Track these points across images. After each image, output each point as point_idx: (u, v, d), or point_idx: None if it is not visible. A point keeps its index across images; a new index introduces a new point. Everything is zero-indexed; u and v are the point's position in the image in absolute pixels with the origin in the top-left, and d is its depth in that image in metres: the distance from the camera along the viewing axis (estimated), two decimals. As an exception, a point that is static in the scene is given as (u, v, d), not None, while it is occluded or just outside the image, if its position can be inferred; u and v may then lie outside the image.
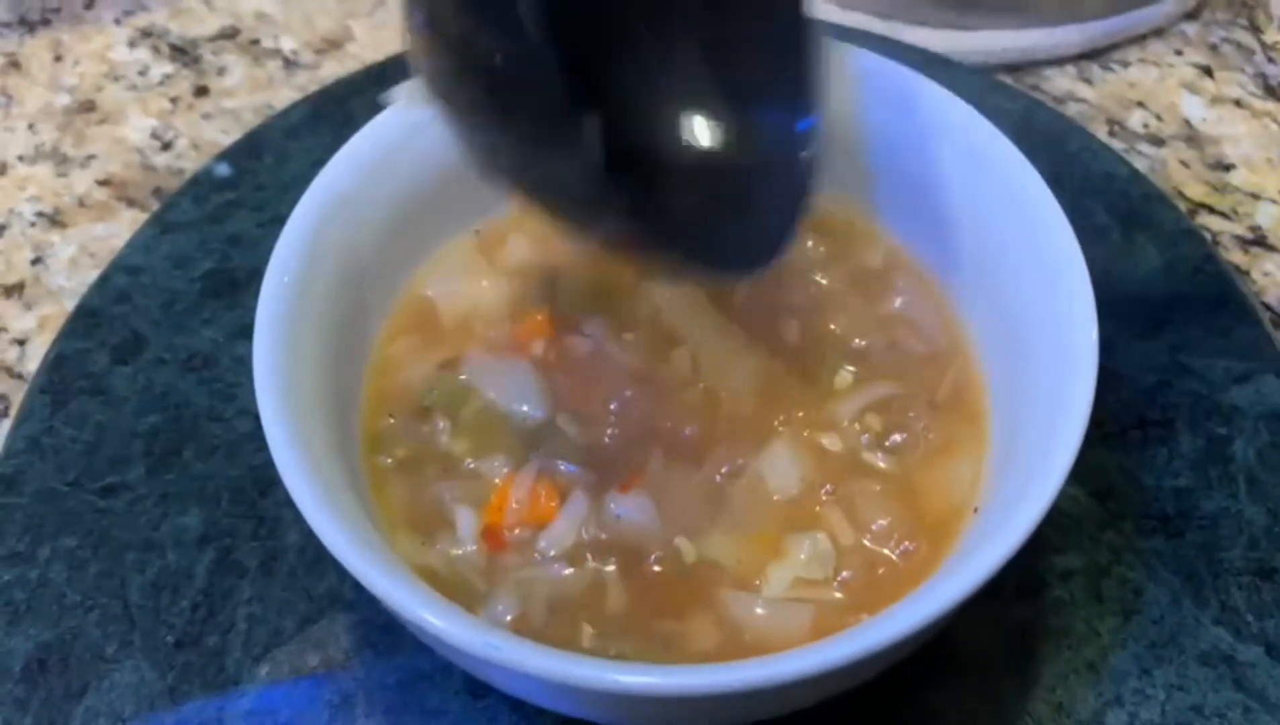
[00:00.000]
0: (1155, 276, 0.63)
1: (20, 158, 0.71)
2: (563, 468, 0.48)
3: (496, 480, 0.48)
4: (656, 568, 0.46)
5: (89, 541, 0.56)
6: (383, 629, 0.54)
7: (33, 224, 0.68)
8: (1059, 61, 0.76)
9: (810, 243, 0.54)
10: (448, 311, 0.52)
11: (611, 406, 0.49)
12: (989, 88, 0.70)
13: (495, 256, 0.54)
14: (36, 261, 0.66)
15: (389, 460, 0.49)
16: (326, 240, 0.47)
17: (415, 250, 0.52)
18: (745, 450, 0.48)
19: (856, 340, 0.52)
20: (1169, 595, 0.54)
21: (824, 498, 0.48)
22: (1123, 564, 0.55)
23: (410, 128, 0.50)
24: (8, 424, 0.59)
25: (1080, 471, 0.57)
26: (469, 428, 0.49)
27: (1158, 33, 0.77)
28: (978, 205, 0.50)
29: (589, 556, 0.46)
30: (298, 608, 0.54)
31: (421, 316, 0.52)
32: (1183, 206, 0.68)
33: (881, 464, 0.49)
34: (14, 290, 0.66)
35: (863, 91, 0.52)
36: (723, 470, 0.48)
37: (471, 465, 0.49)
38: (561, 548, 0.46)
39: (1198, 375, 0.60)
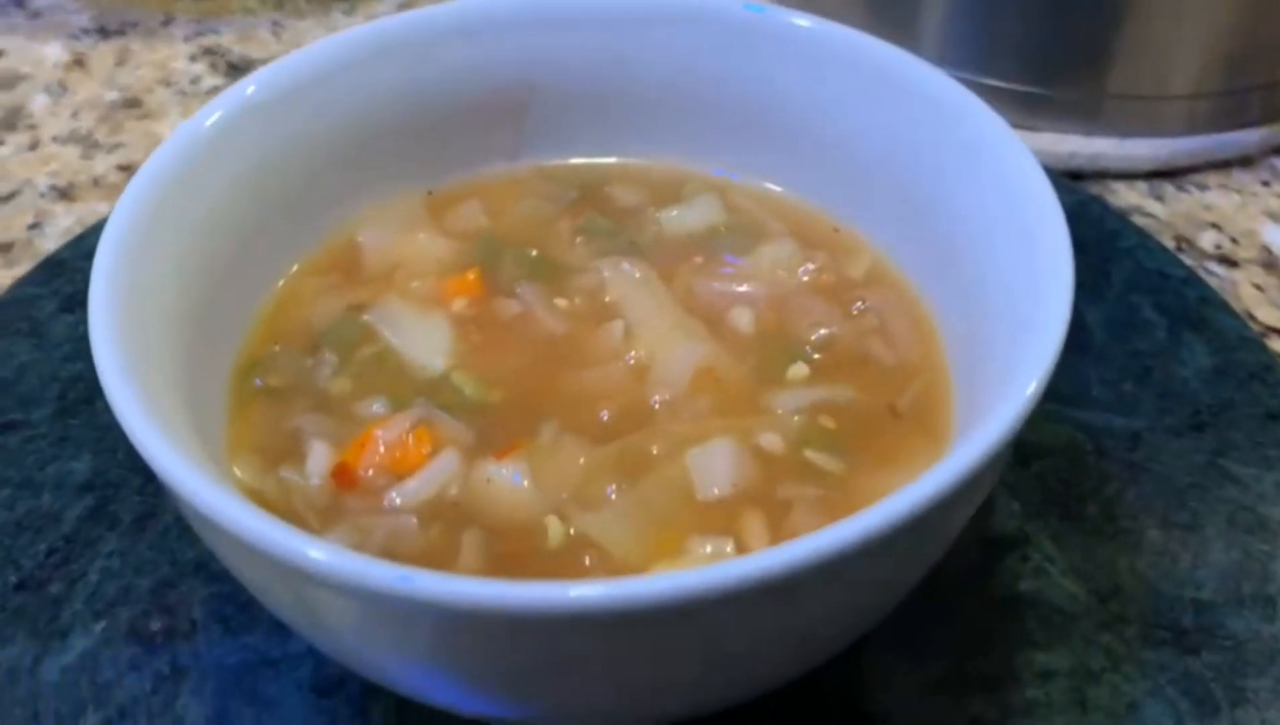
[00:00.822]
0: (1203, 377, 0.54)
1: (54, 138, 0.69)
2: (445, 422, 0.40)
3: (370, 423, 0.41)
4: (516, 543, 0.37)
5: (-35, 472, 0.50)
6: (241, 606, 0.46)
7: (43, 195, 0.66)
8: (1128, 176, 0.68)
9: (788, 244, 0.46)
10: (374, 259, 0.47)
11: (516, 369, 0.42)
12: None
13: (442, 216, 0.48)
14: (33, 226, 0.64)
15: (259, 383, 0.42)
16: (221, 157, 0.42)
17: (354, 196, 0.47)
18: (671, 439, 0.40)
19: (817, 337, 0.44)
20: (1172, 717, 0.42)
21: (749, 501, 0.39)
22: (1119, 673, 0.44)
23: (380, 81, 0.46)
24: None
25: (1083, 566, 0.47)
26: (356, 368, 0.43)
27: (1245, 161, 0.69)
28: (973, 210, 0.42)
29: (443, 517, 0.38)
30: (158, 570, 0.47)
31: (344, 259, 0.47)
32: (1253, 328, 0.58)
33: (825, 467, 0.40)
34: (3, 248, 0.63)
35: (849, 78, 0.45)
36: (650, 451, 0.40)
37: (349, 406, 0.41)
38: (415, 500, 0.39)
39: (1240, 483, 0.49)
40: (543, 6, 0.48)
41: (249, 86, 0.43)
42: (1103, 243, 0.60)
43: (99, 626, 0.45)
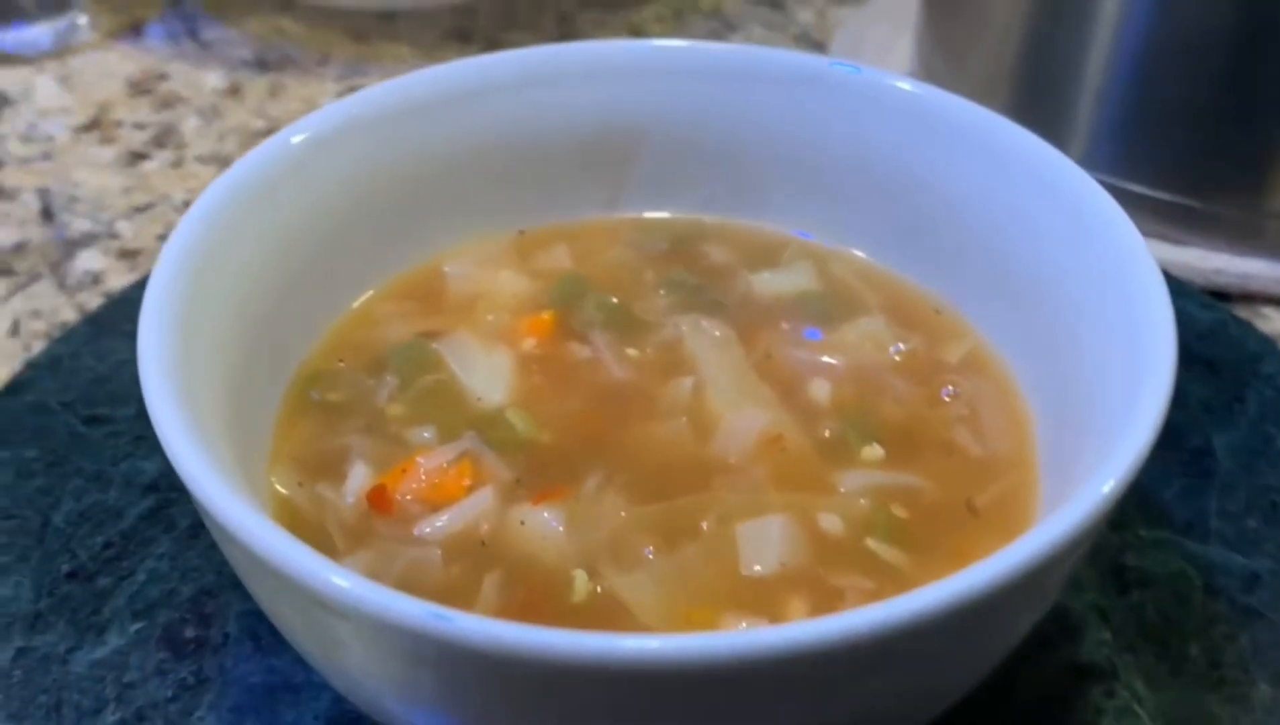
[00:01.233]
0: (1345, 520, 0.48)
1: (198, 157, 0.71)
2: (490, 458, 0.38)
3: (416, 450, 0.39)
4: (539, 592, 0.35)
5: (45, 458, 0.50)
6: (274, 628, 0.44)
7: (176, 209, 0.67)
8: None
9: (880, 320, 0.43)
10: (455, 291, 0.45)
11: (573, 413, 0.39)
12: (1177, 290, 0.58)
13: (529, 256, 0.47)
14: (161, 237, 0.65)
15: (316, 396, 0.41)
16: (308, 174, 0.41)
17: (447, 228, 0.46)
18: (723, 507, 0.37)
19: (898, 419, 0.40)
20: None
21: (796, 584, 0.35)
22: (1205, 838, 0.38)
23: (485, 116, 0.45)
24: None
25: (1176, 713, 0.42)
26: (415, 394, 0.41)
27: None
28: (1079, 300, 0.39)
29: (469, 554, 0.36)
30: (203, 578, 0.46)
31: (426, 288, 0.45)
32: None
33: (886, 558, 0.36)
34: (130, 255, 0.64)
35: (958, 148, 0.42)
36: (699, 517, 0.37)
37: (400, 431, 0.40)
38: (443, 534, 0.37)
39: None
40: (658, 57, 0.46)
41: (349, 104, 0.42)
42: (1241, 365, 0.55)
43: (136, 627, 0.44)
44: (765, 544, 0.36)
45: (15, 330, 0.57)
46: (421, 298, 0.45)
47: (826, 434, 0.40)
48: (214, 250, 0.38)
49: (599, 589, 0.35)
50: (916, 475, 0.39)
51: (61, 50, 0.75)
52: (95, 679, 0.43)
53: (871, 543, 0.36)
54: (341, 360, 0.42)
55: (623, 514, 0.37)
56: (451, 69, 0.44)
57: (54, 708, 0.42)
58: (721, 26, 0.81)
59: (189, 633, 0.44)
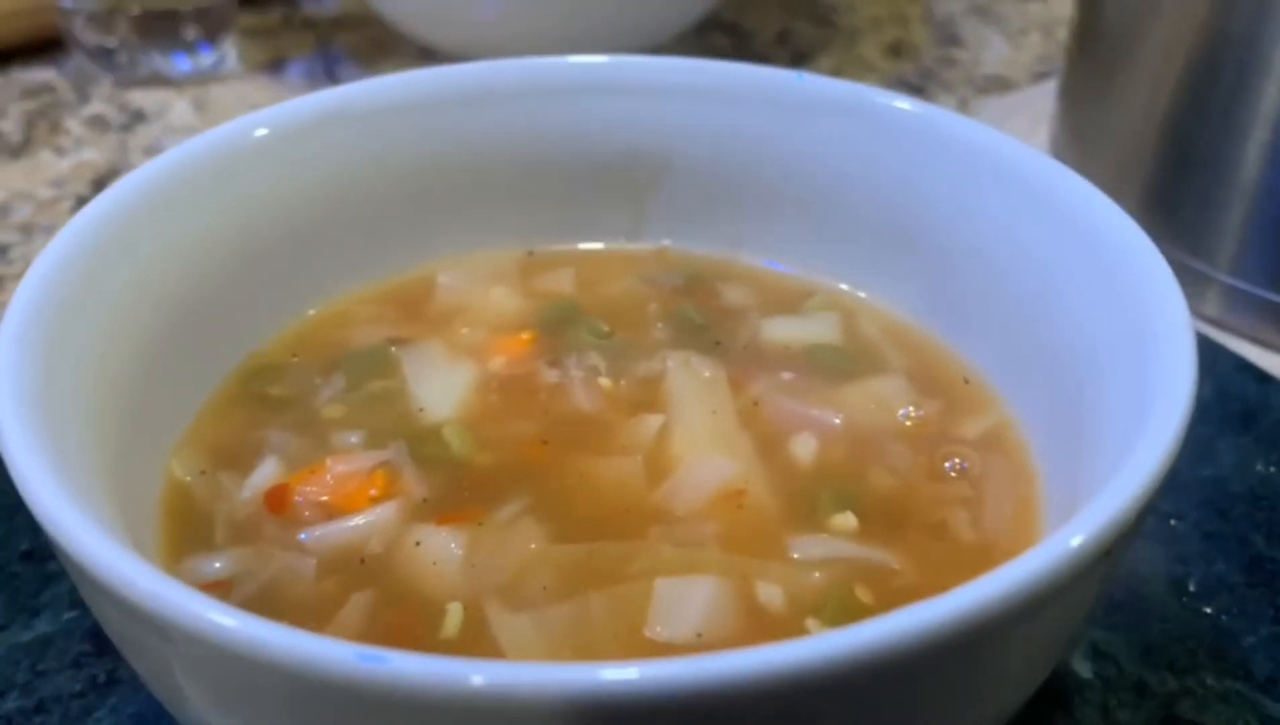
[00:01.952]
0: None
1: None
2: (409, 472, 0.34)
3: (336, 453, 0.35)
4: (408, 619, 0.29)
5: None
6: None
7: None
8: None
9: (897, 382, 0.36)
10: (442, 301, 0.41)
11: (520, 437, 0.34)
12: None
13: (532, 277, 0.42)
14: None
15: (256, 388, 0.37)
16: (294, 156, 0.38)
17: (447, 239, 0.43)
18: (651, 558, 0.31)
19: (885, 491, 0.33)
20: None
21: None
22: None
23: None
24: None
25: None
26: (359, 398, 0.37)
27: None
28: (1121, 396, 0.31)
29: (346, 570, 0.31)
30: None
31: (411, 295, 0.42)
32: None
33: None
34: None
35: (1008, 199, 0.35)
36: (621, 565, 0.31)
37: (328, 433, 0.36)
38: (324, 545, 0.32)
39: None
40: (689, 77, 0.41)
41: (335, 95, 0.39)
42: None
43: (69, 615, 0.41)
44: (683, 606, 0.30)
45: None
46: (403, 303, 0.41)
47: (795, 495, 0.33)
48: (137, 227, 0.34)
49: (476, 627, 0.29)
50: (890, 553, 0.32)
51: (206, 78, 0.77)
52: (11, 662, 0.40)
53: (812, 624, 0.29)
54: (295, 355, 0.39)
55: (532, 547, 0.31)
56: (458, 70, 0.41)
57: (-41, 685, 0.39)
58: (855, 108, 0.76)
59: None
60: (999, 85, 0.78)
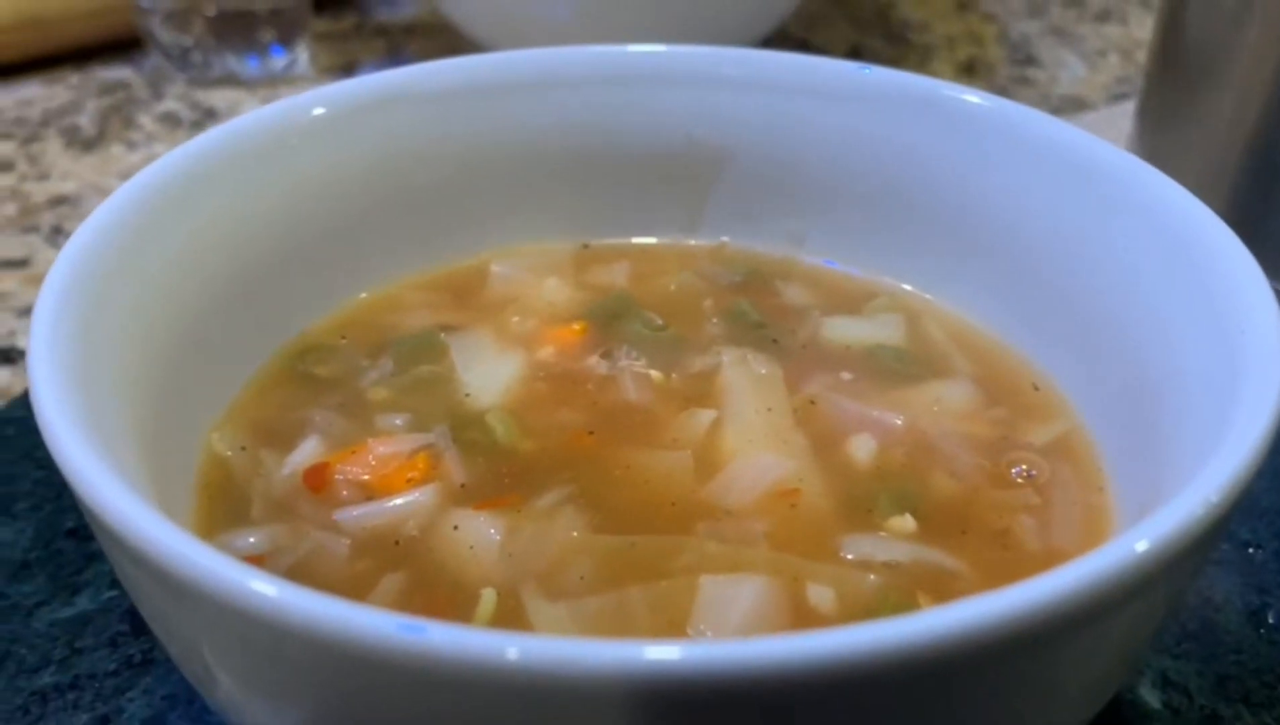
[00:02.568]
0: None
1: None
2: (451, 456, 0.33)
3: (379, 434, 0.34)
4: (440, 603, 0.28)
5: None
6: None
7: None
8: None
9: (964, 387, 0.34)
10: (495, 290, 0.40)
11: (565, 426, 0.33)
12: None
13: (586, 269, 0.41)
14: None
15: (303, 368, 0.36)
16: (352, 136, 0.38)
17: (501, 227, 0.42)
18: (697, 555, 0.30)
19: (948, 495, 0.31)
20: None
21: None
22: None
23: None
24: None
25: None
26: (406, 382, 0.36)
27: None
28: (1197, 404, 0.29)
29: (381, 552, 0.30)
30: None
31: (465, 283, 0.41)
32: None
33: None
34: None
35: (1089, 198, 0.34)
36: (664, 561, 0.29)
37: (372, 415, 0.35)
38: (359, 526, 0.31)
39: None
40: (748, 69, 0.40)
41: (386, 78, 0.38)
42: None
43: (109, 594, 0.41)
44: (728, 605, 0.28)
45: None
46: (456, 291, 0.40)
47: (850, 496, 0.32)
48: (183, 201, 0.34)
49: (511, 614, 0.28)
50: (951, 559, 0.30)
51: (277, 80, 0.78)
52: (50, 638, 0.39)
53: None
54: (344, 337, 0.38)
55: (573, 535, 0.30)
56: (519, 56, 0.40)
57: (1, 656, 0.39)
58: (925, 125, 0.74)
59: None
60: (1075, 106, 0.75)
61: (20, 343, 0.54)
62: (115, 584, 0.41)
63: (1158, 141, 0.62)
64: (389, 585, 0.29)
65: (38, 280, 0.58)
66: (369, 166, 0.38)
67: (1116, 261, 0.33)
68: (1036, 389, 0.35)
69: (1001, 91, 0.77)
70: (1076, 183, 0.34)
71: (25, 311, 0.56)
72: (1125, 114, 0.71)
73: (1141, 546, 0.21)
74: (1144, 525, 0.21)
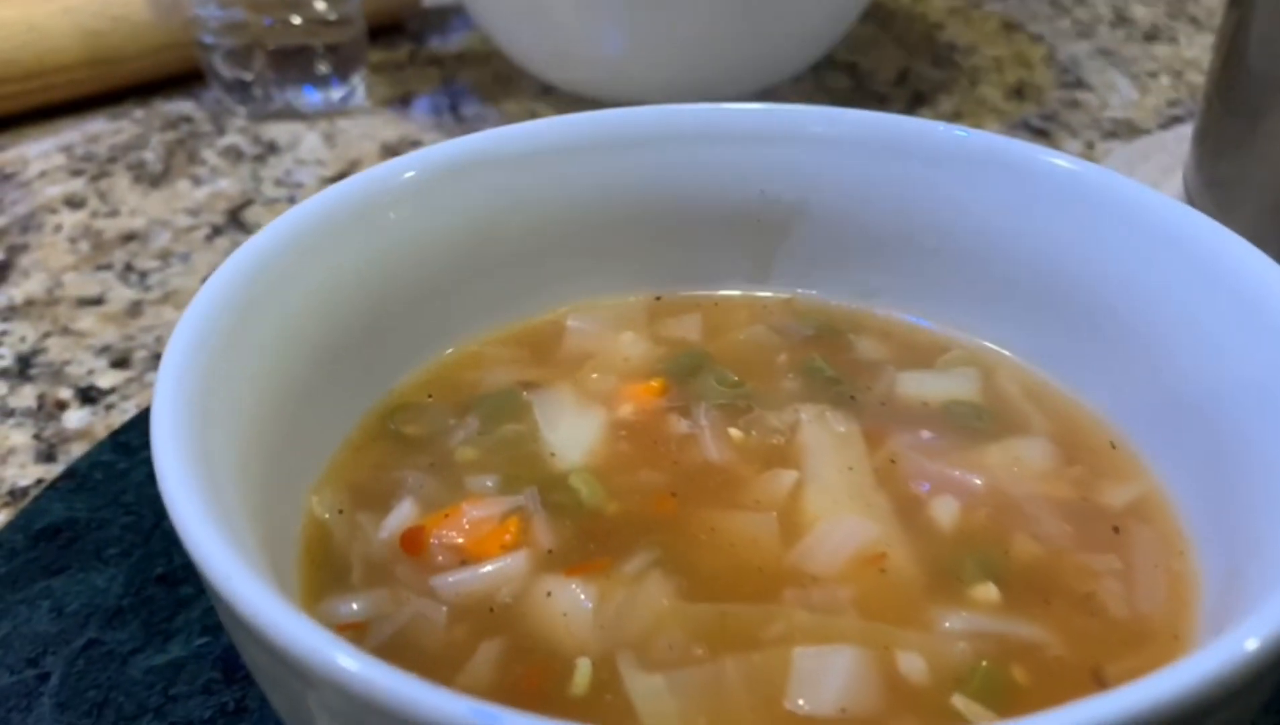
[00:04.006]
0: None
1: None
2: (540, 520, 0.33)
3: (470, 496, 0.34)
4: (538, 673, 0.29)
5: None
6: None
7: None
8: None
9: (1041, 445, 0.35)
10: (572, 345, 0.41)
11: (649, 487, 0.34)
12: None
13: (658, 322, 0.42)
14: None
15: (394, 428, 0.37)
16: (428, 204, 0.38)
17: (576, 281, 0.42)
18: (787, 624, 0.30)
19: (1031, 560, 0.31)
20: None
21: (854, 737, 0.28)
22: None
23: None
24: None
25: None
26: (491, 441, 0.37)
27: None
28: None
29: (476, 618, 0.30)
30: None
31: (543, 339, 0.41)
32: None
33: (972, 721, 0.28)
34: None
35: (1163, 258, 0.34)
36: (755, 629, 0.30)
37: (462, 475, 0.35)
38: (456, 592, 0.31)
39: None
40: (821, 126, 0.41)
41: (477, 140, 0.39)
42: None
43: (200, 642, 0.42)
44: (824, 678, 0.28)
45: (210, 347, 0.58)
46: (534, 346, 0.41)
47: (936, 561, 0.32)
48: (288, 268, 0.35)
49: (607, 684, 0.29)
50: (1038, 627, 0.30)
51: (335, 112, 0.79)
52: (146, 685, 0.40)
53: (959, 700, 0.28)
54: (431, 395, 0.39)
55: (664, 604, 0.30)
56: (592, 118, 0.40)
57: (98, 704, 0.40)
58: (976, 150, 0.74)
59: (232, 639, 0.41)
60: (1126, 129, 0.75)
61: (100, 382, 0.56)
62: (206, 631, 0.42)
63: (1217, 169, 0.62)
64: (486, 654, 0.30)
65: (112, 318, 0.60)
66: (455, 227, 0.39)
67: (1197, 325, 0.34)
68: (1114, 447, 0.36)
69: (1052, 116, 0.77)
70: (1157, 247, 0.34)
71: (103, 350, 0.58)
72: (1179, 138, 0.70)
73: (1251, 645, 0.21)
74: (1252, 622, 0.21)
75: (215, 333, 0.31)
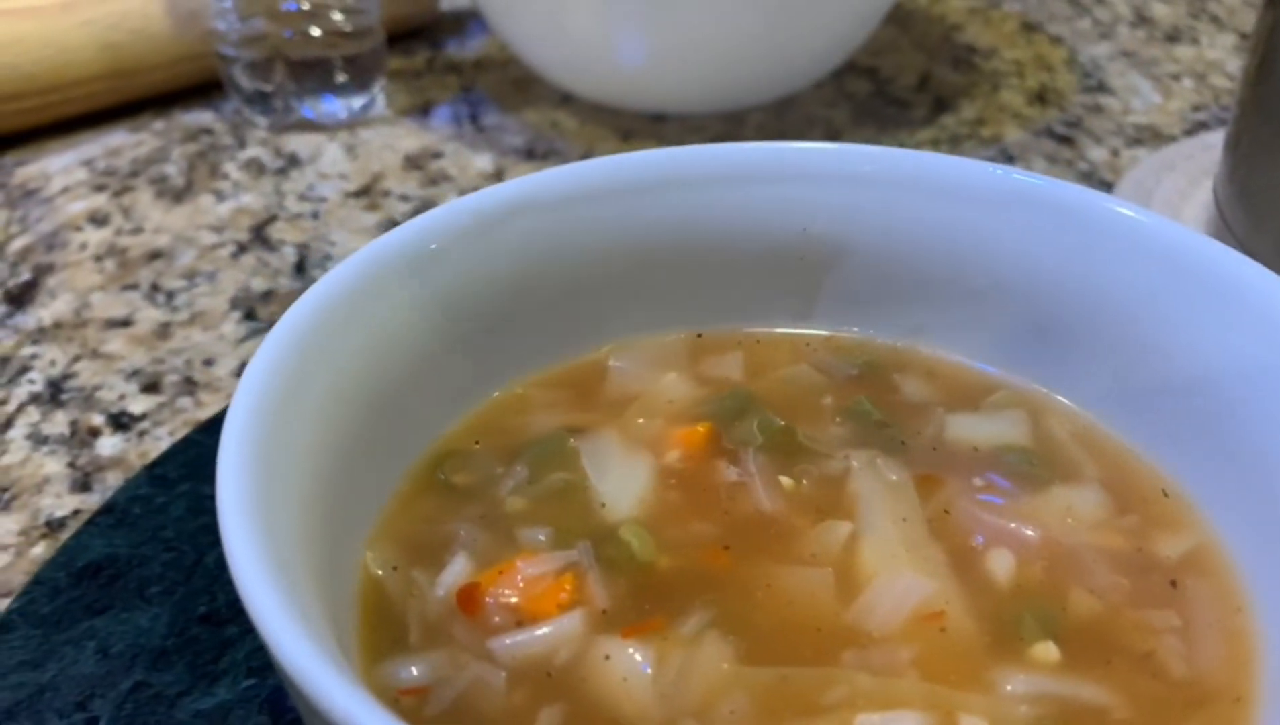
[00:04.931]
0: None
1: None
2: (594, 576, 0.33)
3: (524, 550, 0.34)
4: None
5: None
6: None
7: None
8: None
9: (1094, 493, 0.34)
10: (615, 386, 0.41)
11: (700, 539, 0.34)
12: None
13: (701, 360, 0.42)
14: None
15: (442, 476, 0.37)
16: (475, 249, 0.38)
17: (618, 320, 0.42)
18: (848, 688, 0.30)
19: (1090, 617, 0.31)
20: None
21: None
22: None
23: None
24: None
25: None
26: (540, 490, 0.37)
27: None
28: None
29: (534, 682, 0.30)
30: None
31: (585, 379, 0.41)
32: None
33: (1030, 791, 0.28)
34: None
35: (1214, 305, 0.33)
36: (814, 693, 0.30)
37: (514, 527, 0.35)
38: (514, 655, 0.31)
39: None
40: (864, 164, 0.40)
41: (523, 185, 0.39)
42: None
43: (246, 684, 0.42)
44: (883, 745, 0.28)
45: (240, 372, 0.57)
46: (578, 388, 0.41)
47: (995, 619, 0.32)
48: (347, 320, 0.35)
49: (668, 753, 0.29)
50: (1100, 688, 0.30)
51: (355, 122, 0.78)
52: (192, 730, 0.40)
53: (1018, 766, 0.28)
54: (478, 442, 0.39)
55: (724, 667, 0.30)
56: (635, 159, 0.40)
57: (147, 748, 0.40)
58: (1000, 156, 0.74)
59: (293, 702, 0.41)
60: (1150, 135, 0.75)
61: (131, 407, 0.55)
62: (252, 673, 0.42)
63: (1250, 178, 0.61)
64: (548, 720, 0.29)
65: (141, 340, 0.60)
66: (499, 272, 0.38)
67: (1242, 371, 0.33)
68: (1166, 495, 0.35)
69: (1075, 123, 0.76)
70: (1213, 297, 0.34)
71: (133, 374, 0.57)
72: (1206, 146, 0.70)
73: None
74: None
75: (274, 391, 0.31)
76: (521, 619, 0.32)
